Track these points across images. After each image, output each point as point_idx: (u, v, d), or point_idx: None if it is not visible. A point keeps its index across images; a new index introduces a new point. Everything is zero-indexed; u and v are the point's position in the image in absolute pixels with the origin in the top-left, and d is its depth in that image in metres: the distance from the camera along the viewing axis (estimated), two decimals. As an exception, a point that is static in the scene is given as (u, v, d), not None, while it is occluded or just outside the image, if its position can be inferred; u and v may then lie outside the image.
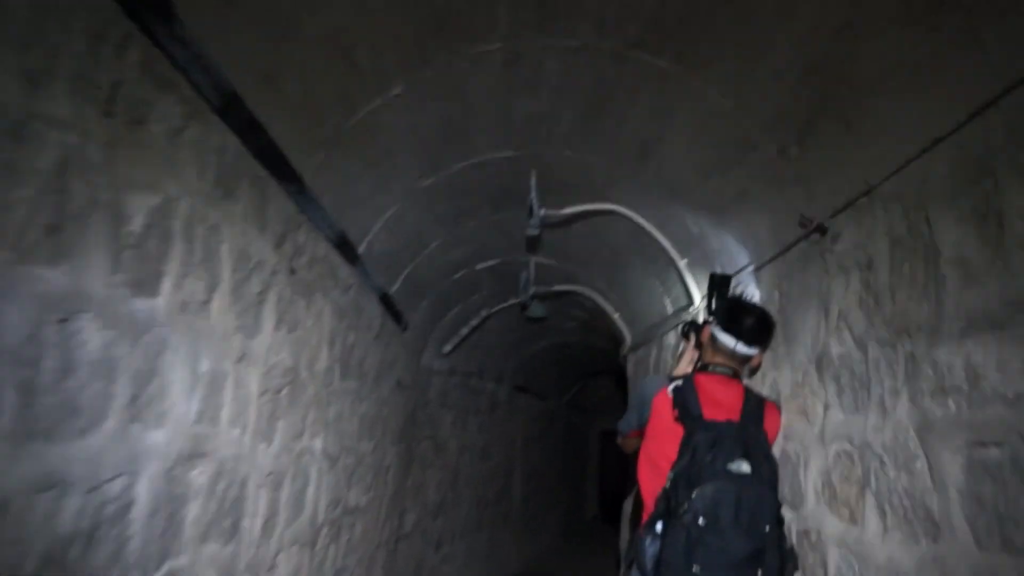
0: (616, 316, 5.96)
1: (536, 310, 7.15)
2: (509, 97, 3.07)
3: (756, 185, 2.82)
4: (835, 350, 2.27)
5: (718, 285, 2.98)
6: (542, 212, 4.02)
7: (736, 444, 2.30)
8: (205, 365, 1.91)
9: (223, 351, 2.03)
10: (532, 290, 6.01)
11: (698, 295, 3.88)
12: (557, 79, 2.93)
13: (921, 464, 1.76)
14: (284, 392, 2.58)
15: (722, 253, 3.44)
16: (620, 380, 11.81)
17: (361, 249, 3.61)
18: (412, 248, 4.41)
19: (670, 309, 4.59)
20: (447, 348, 6.90)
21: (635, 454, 2.77)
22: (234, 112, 1.96)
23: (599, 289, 5.85)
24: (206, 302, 1.93)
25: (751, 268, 3.09)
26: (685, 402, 2.48)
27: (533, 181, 3.72)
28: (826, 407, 2.30)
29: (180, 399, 1.79)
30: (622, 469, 12.95)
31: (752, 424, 2.43)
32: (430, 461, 6.52)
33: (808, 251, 2.54)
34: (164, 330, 1.70)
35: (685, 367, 2.92)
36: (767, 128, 2.56)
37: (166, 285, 1.71)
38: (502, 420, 9.33)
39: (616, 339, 7.18)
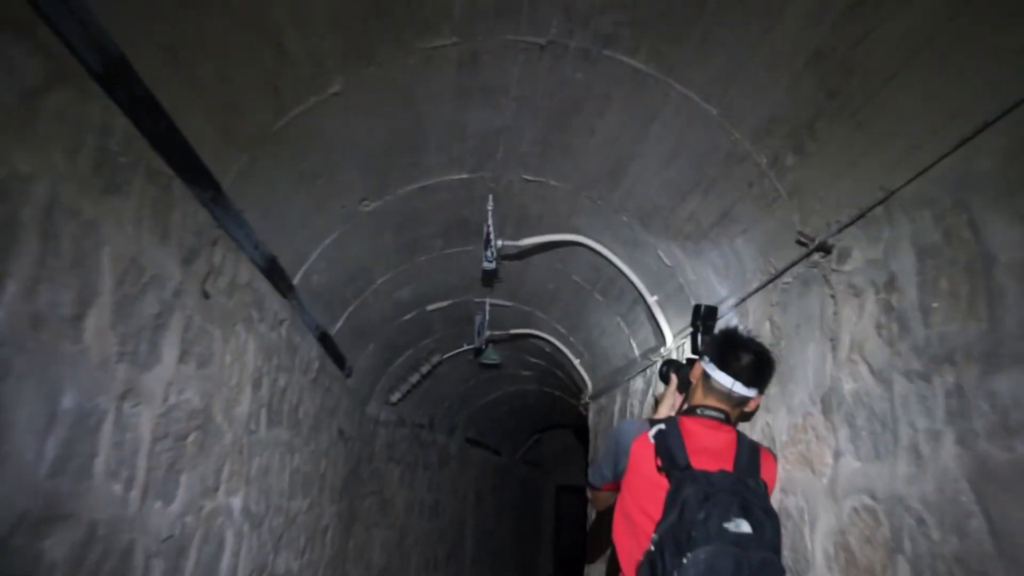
0: (577, 362, 5.60)
1: (490, 356, 6.75)
2: (464, 106, 2.73)
3: (742, 204, 2.51)
4: (847, 387, 1.93)
5: (704, 318, 2.63)
6: (499, 243, 3.67)
7: (732, 498, 1.94)
8: (69, 400, 1.48)
9: (99, 383, 1.60)
10: (487, 334, 5.63)
11: (670, 335, 3.55)
12: (518, 85, 2.60)
13: (978, 523, 1.41)
14: (191, 439, 2.15)
15: (699, 285, 3.11)
16: (580, 432, 11.38)
17: (296, 280, 3.21)
18: (356, 283, 4.01)
19: (637, 352, 4.24)
20: (395, 397, 6.45)
21: (607, 512, 2.38)
22: (122, 84, 1.58)
23: (559, 333, 5.49)
24: (76, 319, 1.51)
25: (732, 301, 2.76)
26: (670, 449, 2.11)
27: (490, 207, 3.38)
28: (837, 454, 1.95)
29: (27, 443, 1.35)
30: (578, 526, 12.42)
31: (749, 475, 2.07)
32: (375, 520, 6.00)
33: (807, 275, 2.21)
34: (4, 351, 1.28)
35: (667, 412, 2.56)
36: (758, 135, 2.25)
37: (9, 291, 1.29)
38: (453, 475, 8.83)
39: (576, 387, 6.80)
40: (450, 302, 5.34)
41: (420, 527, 7.40)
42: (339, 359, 4.48)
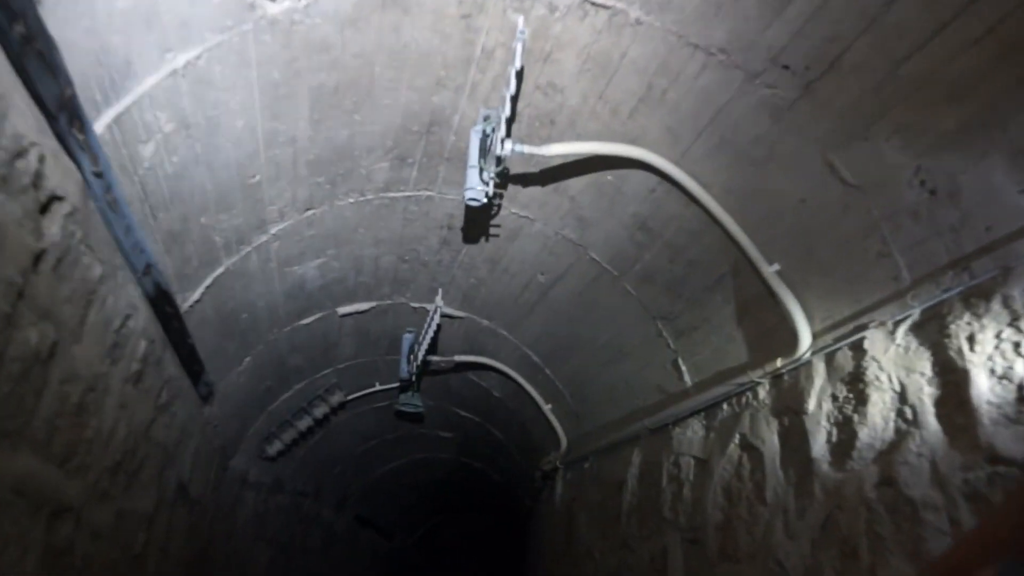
0: (548, 408, 3.91)
1: (413, 402, 4.97)
2: None
3: None
4: None
5: None
6: (509, 148, 2.03)
7: None
8: None
9: None
10: (421, 361, 3.89)
11: (807, 331, 1.96)
12: None
13: None
14: None
15: (962, 200, 1.55)
16: (499, 518, 8.99)
17: (100, 122, 1.47)
18: (233, 211, 2.27)
19: (690, 380, 2.63)
20: (274, 449, 4.59)
21: None
22: None
23: (528, 363, 3.81)
24: None
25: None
26: None
27: (521, 34, 1.75)
28: None
29: None
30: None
31: None
32: (226, 630, 4.03)
33: None
34: None
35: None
36: None
37: None
38: (340, 563, 6.83)
39: (521, 454, 5.09)
40: (374, 305, 3.63)
41: (290, 636, 5.39)
42: (192, 364, 2.68)
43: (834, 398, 1.86)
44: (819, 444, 1.89)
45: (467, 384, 4.62)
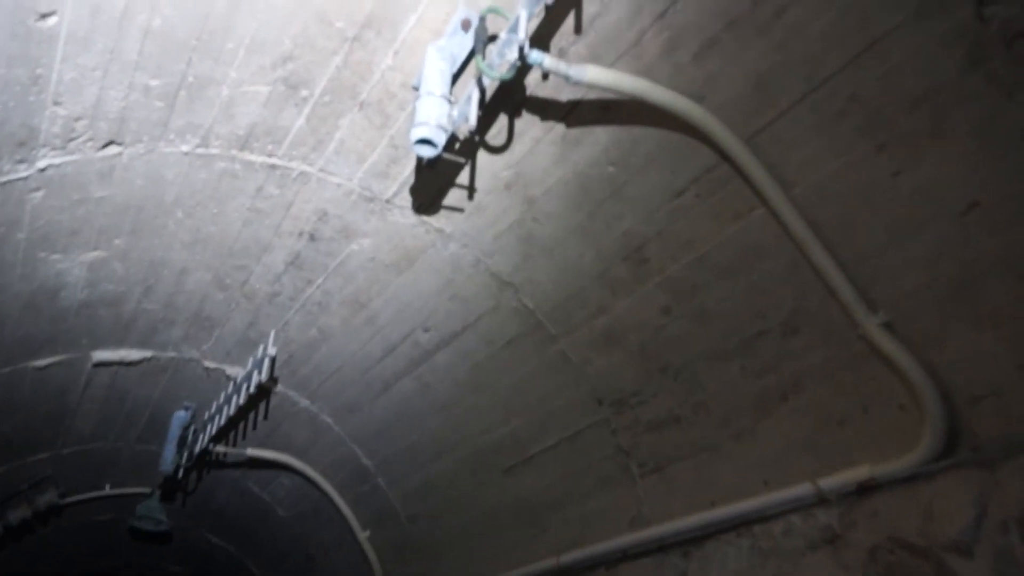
0: (365, 535, 2.84)
1: (152, 516, 3.60)
2: None
3: None
4: None
5: None
6: (534, 56, 1.23)
7: None
8: None
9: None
10: (201, 449, 2.72)
11: (941, 419, 1.27)
12: None
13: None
14: None
15: None
16: None
17: None
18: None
19: (651, 497, 1.81)
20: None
21: None
22: None
23: (347, 470, 2.77)
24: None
25: None
26: None
27: None
28: None
29: None
30: None
31: None
32: None
33: None
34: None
35: None
36: None
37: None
38: None
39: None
40: (149, 356, 2.51)
41: None
42: None
43: (1008, 529, 1.15)
44: (970, 601, 1.15)
45: (241, 496, 3.42)
